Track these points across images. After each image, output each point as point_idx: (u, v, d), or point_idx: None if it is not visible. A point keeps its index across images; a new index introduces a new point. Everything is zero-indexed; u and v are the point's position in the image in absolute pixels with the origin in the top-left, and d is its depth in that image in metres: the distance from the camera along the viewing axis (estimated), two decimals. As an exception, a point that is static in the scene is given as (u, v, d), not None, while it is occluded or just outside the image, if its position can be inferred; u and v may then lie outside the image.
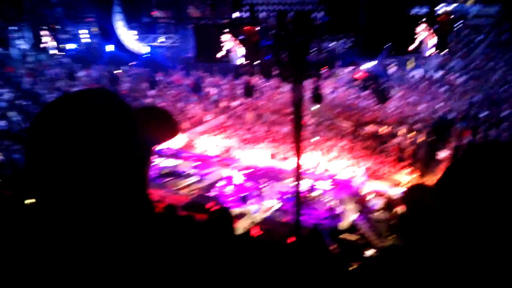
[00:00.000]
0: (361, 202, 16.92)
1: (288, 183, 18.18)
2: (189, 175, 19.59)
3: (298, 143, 13.21)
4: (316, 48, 14.12)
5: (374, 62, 16.30)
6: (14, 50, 20.72)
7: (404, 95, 30.48)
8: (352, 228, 15.10)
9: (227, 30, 15.58)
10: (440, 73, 32.21)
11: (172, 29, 23.64)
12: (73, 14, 29.30)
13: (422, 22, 14.51)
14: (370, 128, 24.30)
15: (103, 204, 0.84)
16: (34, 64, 29.67)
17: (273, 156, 21.79)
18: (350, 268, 1.38)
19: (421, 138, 22.83)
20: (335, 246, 13.82)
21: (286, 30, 12.93)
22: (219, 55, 15.38)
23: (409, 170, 19.34)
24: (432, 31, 14.65)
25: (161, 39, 21.18)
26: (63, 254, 0.84)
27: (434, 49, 15.13)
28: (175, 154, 21.05)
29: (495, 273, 0.82)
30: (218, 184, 18.14)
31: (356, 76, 16.60)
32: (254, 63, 15.58)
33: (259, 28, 14.83)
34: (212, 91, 32.25)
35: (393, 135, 23.37)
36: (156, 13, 23.31)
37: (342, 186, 18.33)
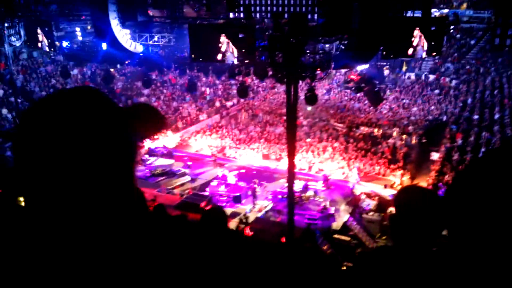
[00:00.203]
0: (353, 202, 17.03)
1: (282, 183, 18.30)
2: (182, 175, 19.55)
3: (292, 144, 13.24)
4: (311, 50, 14.17)
5: (367, 65, 16.41)
6: (7, 47, 20.49)
7: (397, 98, 30.82)
8: (345, 229, 15.19)
9: (222, 30, 15.56)
10: (433, 76, 32.56)
11: (167, 28, 23.55)
12: (67, 12, 29.14)
13: (416, 26, 14.63)
14: (363, 130, 24.50)
15: (92, 199, 0.85)
16: (27, 61, 29.44)
17: (266, 156, 21.81)
18: (343, 268, 1.42)
19: (413, 140, 23.08)
20: (328, 246, 13.91)
21: (281, 31, 12.95)
22: (215, 55, 15.34)
23: (401, 171, 19.52)
24: (425, 35, 14.78)
25: (156, 38, 21.10)
26: (54, 252, 0.85)
27: (426, 52, 15.26)
28: (169, 154, 20.98)
29: (496, 274, 0.82)
30: (212, 184, 18.09)
31: (351, 77, 16.66)
32: (249, 63, 15.57)
33: (254, 29, 14.84)
34: (207, 90, 32.27)
35: (386, 136, 23.59)
36: (151, 12, 23.23)
37: (335, 187, 18.44)
